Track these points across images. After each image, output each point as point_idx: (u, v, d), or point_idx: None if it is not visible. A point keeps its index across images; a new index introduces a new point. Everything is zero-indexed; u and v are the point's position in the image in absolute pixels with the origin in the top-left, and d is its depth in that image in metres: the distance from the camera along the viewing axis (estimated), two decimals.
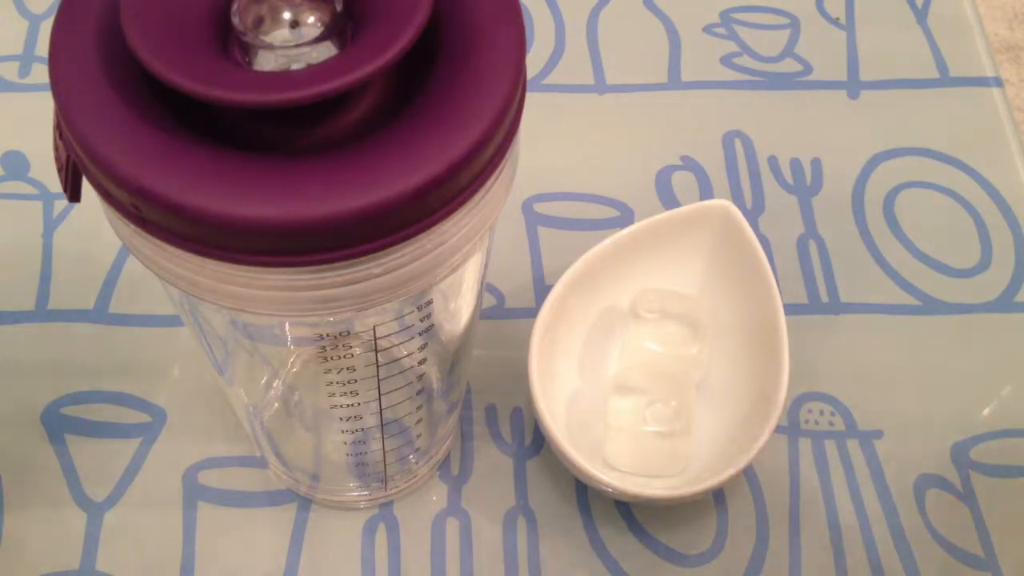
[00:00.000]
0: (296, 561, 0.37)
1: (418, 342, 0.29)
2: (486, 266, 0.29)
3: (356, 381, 0.30)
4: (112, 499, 0.38)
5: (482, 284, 0.31)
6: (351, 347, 0.29)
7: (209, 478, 0.38)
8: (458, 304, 0.30)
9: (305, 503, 0.38)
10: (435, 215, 0.20)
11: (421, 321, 0.28)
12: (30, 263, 0.43)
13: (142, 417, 0.40)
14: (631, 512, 0.38)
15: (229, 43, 0.21)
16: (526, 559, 0.37)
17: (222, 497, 0.38)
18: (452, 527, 0.38)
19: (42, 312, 0.42)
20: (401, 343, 0.29)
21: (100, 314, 0.42)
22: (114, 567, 0.37)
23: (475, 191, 0.21)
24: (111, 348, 0.41)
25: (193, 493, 0.38)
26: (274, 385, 0.37)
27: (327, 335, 0.30)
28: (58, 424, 0.39)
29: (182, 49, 0.19)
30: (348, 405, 0.31)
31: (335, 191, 0.19)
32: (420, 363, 0.30)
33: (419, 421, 0.34)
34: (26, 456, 0.38)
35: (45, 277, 0.42)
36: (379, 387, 0.30)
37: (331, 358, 0.29)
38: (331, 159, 0.19)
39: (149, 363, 0.41)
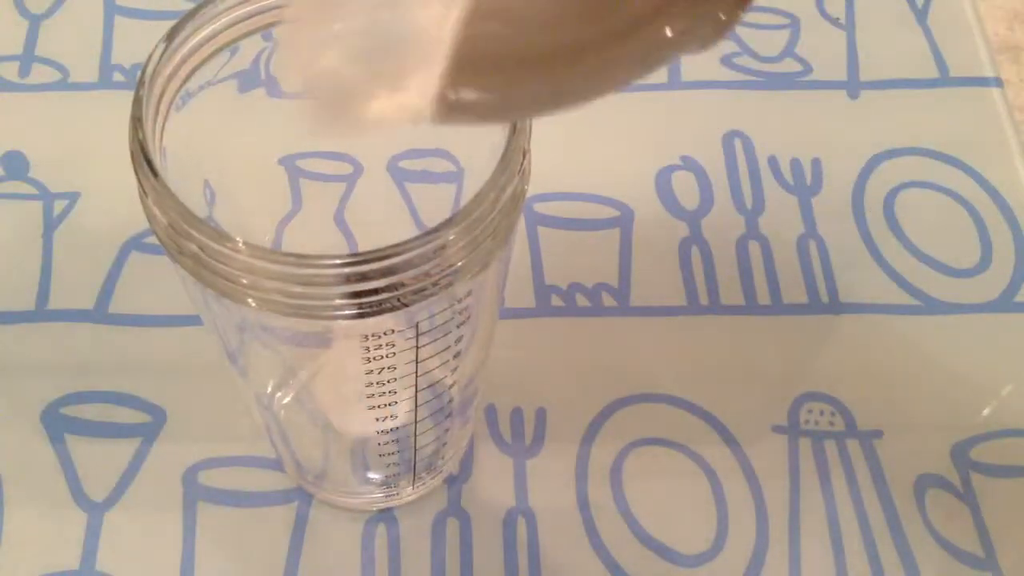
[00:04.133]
0: (296, 561, 0.37)
1: (455, 335, 0.29)
2: (508, 261, 0.29)
3: (396, 380, 0.30)
4: (112, 499, 0.38)
5: (502, 289, 0.30)
6: (394, 345, 0.28)
7: (209, 478, 0.38)
8: (480, 309, 0.29)
9: (306, 503, 0.38)
10: None
11: (460, 314, 0.27)
12: (30, 263, 0.43)
13: (142, 417, 0.40)
14: (631, 512, 0.38)
15: None
16: (526, 559, 0.37)
17: (222, 497, 0.38)
18: (452, 527, 0.38)
19: (42, 312, 0.42)
20: (435, 340, 0.28)
21: (100, 314, 0.42)
22: (114, 567, 0.37)
23: None
24: (111, 348, 0.41)
25: (193, 493, 0.38)
26: (290, 383, 0.36)
27: (371, 335, 0.29)
28: (58, 424, 0.39)
29: None
30: (385, 405, 0.31)
31: None
32: (455, 356, 0.30)
33: (447, 427, 0.34)
34: (26, 456, 0.38)
35: (45, 277, 0.42)
36: (416, 383, 0.30)
37: (374, 359, 0.29)
38: None
39: (149, 363, 0.41)
